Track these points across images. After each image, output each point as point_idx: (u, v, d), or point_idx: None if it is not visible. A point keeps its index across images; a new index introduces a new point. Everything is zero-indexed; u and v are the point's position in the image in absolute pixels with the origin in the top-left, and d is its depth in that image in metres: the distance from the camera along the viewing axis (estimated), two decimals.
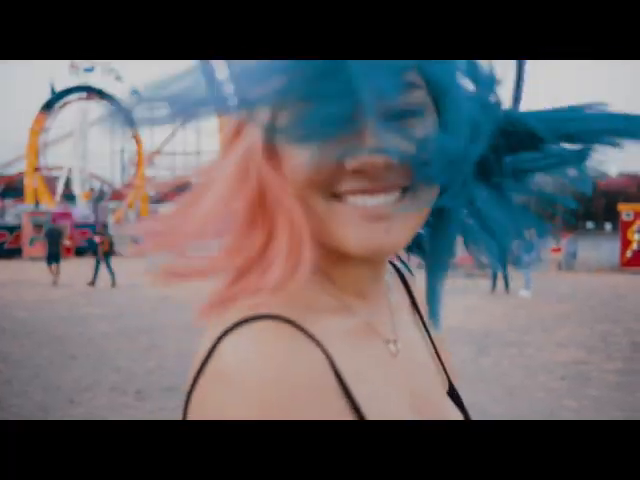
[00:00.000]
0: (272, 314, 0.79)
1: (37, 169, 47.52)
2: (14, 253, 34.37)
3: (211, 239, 0.88)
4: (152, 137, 63.06)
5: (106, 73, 55.32)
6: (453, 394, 1.06)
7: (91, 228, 28.12)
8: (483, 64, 0.87)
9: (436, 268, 0.97)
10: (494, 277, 18.44)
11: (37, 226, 33.19)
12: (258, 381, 0.72)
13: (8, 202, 49.07)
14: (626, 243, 26.51)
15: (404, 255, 1.10)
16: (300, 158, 0.79)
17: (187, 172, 0.97)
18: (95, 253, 21.51)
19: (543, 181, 0.93)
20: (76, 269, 25.23)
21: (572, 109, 0.90)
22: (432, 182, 0.82)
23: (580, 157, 0.90)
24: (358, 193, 0.80)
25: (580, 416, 6.86)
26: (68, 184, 53.79)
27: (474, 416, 1.07)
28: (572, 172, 0.92)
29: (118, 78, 56.53)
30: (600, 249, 29.19)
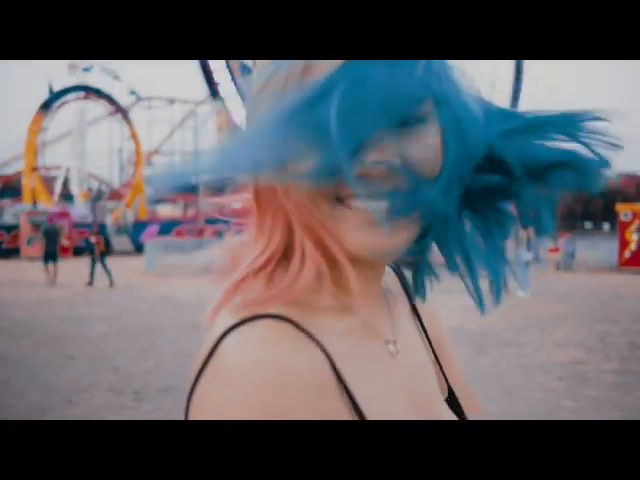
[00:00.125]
0: (273, 313, 0.80)
1: (35, 169, 47.48)
2: (12, 253, 34.37)
3: None
4: (150, 137, 63.17)
5: (104, 73, 55.27)
6: (452, 401, 1.06)
7: (89, 228, 28.15)
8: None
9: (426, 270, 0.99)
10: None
11: (35, 226, 33.17)
12: (259, 380, 0.73)
13: (6, 202, 49.13)
14: (624, 243, 26.50)
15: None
16: (306, 166, 0.78)
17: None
18: (92, 253, 21.49)
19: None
20: (74, 269, 25.23)
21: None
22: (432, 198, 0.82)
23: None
24: (361, 197, 0.79)
25: (578, 416, 6.86)
26: (66, 184, 53.75)
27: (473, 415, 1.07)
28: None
29: (116, 78, 56.51)
30: (598, 249, 29.16)
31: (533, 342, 11.11)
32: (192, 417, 0.78)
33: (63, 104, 51.46)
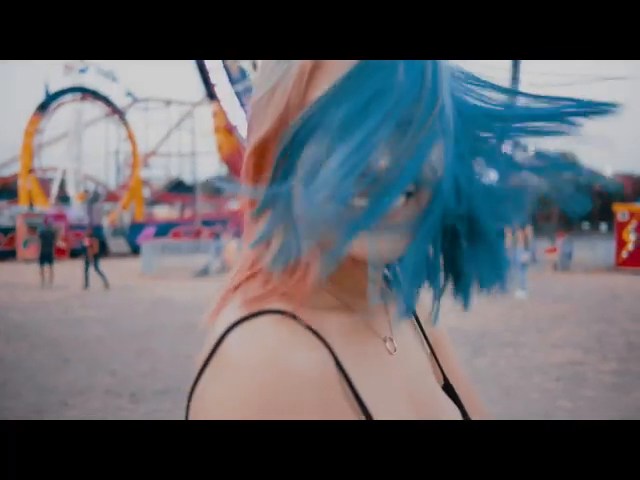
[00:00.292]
0: (278, 309, 0.80)
1: (31, 170, 47.46)
2: (8, 255, 34.40)
3: None
4: (147, 138, 63.24)
5: (101, 74, 55.29)
6: (449, 392, 1.07)
7: (85, 230, 28.21)
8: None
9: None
10: None
11: (31, 228, 33.20)
12: (264, 375, 0.72)
13: (2, 204, 49.09)
14: (621, 243, 26.58)
15: None
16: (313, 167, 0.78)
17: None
18: (86, 256, 21.52)
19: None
20: (71, 271, 25.27)
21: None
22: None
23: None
24: (362, 195, 0.78)
25: (575, 417, 6.85)
26: (63, 186, 53.75)
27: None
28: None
29: (114, 79, 56.54)
30: (596, 249, 29.25)
31: (531, 342, 11.13)
32: (195, 413, 0.77)
33: (60, 105, 51.49)
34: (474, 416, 1.08)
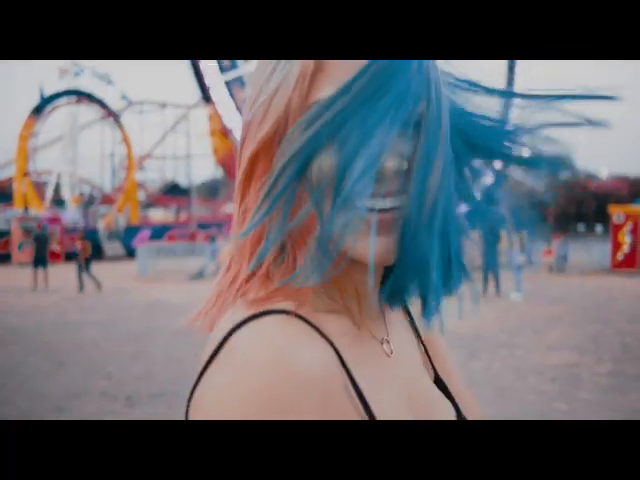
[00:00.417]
0: (284, 309, 0.80)
1: (26, 174, 47.42)
2: (3, 259, 34.34)
3: None
4: (142, 141, 63.19)
5: (97, 77, 55.26)
6: (439, 385, 1.08)
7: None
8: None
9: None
10: (485, 280, 18.47)
11: (26, 231, 33.16)
12: (272, 374, 0.72)
13: None
14: (617, 245, 26.63)
15: None
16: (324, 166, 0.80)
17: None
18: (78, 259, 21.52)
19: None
20: (66, 274, 25.20)
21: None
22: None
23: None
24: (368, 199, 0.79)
25: (571, 419, 6.85)
26: (58, 189, 53.71)
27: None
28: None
29: (109, 82, 56.50)
30: (591, 251, 29.30)
31: (526, 344, 11.14)
32: (195, 411, 0.76)
33: (55, 109, 51.47)
34: (467, 412, 1.08)
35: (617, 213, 27.09)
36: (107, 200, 56.04)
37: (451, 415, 1.02)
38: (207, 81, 41.30)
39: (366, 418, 0.81)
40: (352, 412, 0.80)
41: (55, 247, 33.70)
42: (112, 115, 53.60)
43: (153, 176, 65.98)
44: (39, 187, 51.16)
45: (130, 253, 35.78)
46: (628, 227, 26.29)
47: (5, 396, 8.14)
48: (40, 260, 22.06)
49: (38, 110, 48.91)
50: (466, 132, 0.91)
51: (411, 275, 0.86)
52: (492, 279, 18.39)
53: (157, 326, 13.09)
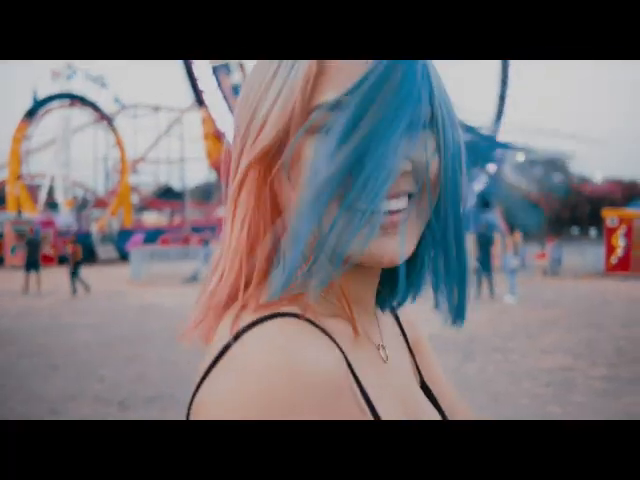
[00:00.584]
0: (293, 312, 0.80)
1: (19, 177, 47.35)
2: None
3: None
4: (135, 144, 63.13)
5: (91, 80, 55.24)
6: (425, 391, 1.09)
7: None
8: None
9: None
10: (478, 283, 18.49)
11: (19, 235, 33.11)
12: (288, 374, 0.71)
13: None
14: (611, 249, 26.69)
15: None
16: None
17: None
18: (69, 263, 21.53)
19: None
20: (59, 278, 25.16)
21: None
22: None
23: None
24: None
25: None
26: (51, 192, 53.64)
27: None
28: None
29: (102, 84, 56.47)
30: (585, 255, 29.36)
31: (520, 348, 11.15)
32: (196, 413, 0.75)
33: (48, 112, 51.41)
34: (455, 415, 1.12)
35: (611, 217, 27.16)
36: (100, 203, 55.97)
37: (436, 418, 1.03)
38: (200, 84, 41.31)
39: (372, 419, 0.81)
40: (359, 413, 0.80)
41: (48, 250, 33.67)
42: (105, 118, 53.55)
43: (147, 179, 65.98)
44: (32, 190, 51.05)
45: (123, 257, 35.77)
46: (622, 230, 26.35)
47: (0, 398, 8.11)
48: (32, 264, 22.06)
49: (31, 113, 48.83)
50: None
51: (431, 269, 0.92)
52: (486, 282, 18.42)
53: (151, 330, 13.07)
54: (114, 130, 53.33)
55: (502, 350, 10.96)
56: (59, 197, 52.31)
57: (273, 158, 0.83)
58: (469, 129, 0.95)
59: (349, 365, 0.82)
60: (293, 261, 0.78)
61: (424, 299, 1.03)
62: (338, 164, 0.77)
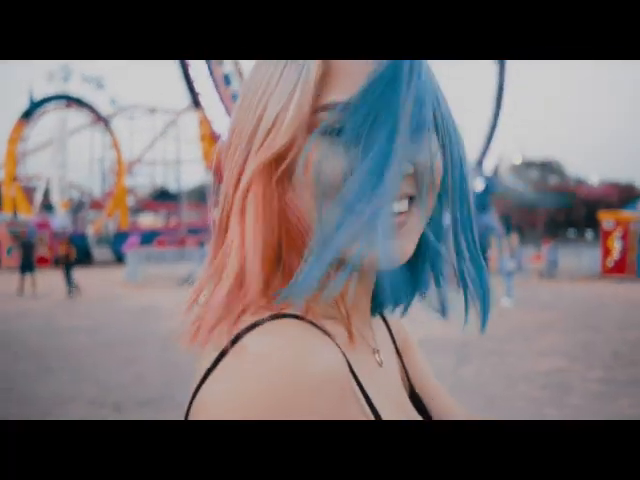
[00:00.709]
0: (295, 314, 0.80)
1: (15, 178, 47.39)
2: None
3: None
4: (132, 146, 63.22)
5: (87, 81, 55.34)
6: (414, 398, 1.10)
7: (70, 238, 28.25)
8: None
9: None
10: None
11: (15, 236, 33.17)
12: (289, 374, 0.71)
13: None
14: (607, 251, 26.77)
15: None
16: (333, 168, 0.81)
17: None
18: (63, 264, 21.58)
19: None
20: (54, 280, 25.17)
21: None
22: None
23: None
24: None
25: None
26: (47, 194, 53.71)
27: None
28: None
29: (99, 86, 56.57)
30: (581, 257, 29.46)
31: (516, 351, 11.17)
32: (205, 411, 0.74)
33: (44, 113, 51.48)
34: (446, 414, 1.13)
35: (607, 219, 27.24)
36: (96, 205, 56.14)
37: None
38: (197, 86, 41.45)
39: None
40: (362, 415, 0.80)
41: (44, 252, 33.71)
42: (102, 120, 53.63)
43: (143, 181, 66.15)
44: (28, 192, 51.16)
45: (119, 259, 35.81)
46: (618, 233, 26.43)
47: None
48: (27, 266, 22.14)
49: (27, 114, 48.91)
50: None
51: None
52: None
53: (147, 332, 13.07)
54: (110, 132, 53.42)
55: (498, 353, 10.97)
56: (55, 199, 52.38)
57: (280, 160, 0.82)
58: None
59: (350, 367, 0.82)
60: (322, 267, 0.78)
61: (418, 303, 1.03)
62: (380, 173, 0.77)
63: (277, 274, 0.84)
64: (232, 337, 0.76)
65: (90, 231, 44.00)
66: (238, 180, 0.85)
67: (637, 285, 23.70)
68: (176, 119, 59.90)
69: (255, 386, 0.70)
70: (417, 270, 0.99)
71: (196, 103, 42.57)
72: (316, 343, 0.77)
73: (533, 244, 35.09)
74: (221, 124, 41.38)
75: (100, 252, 40.30)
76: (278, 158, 0.82)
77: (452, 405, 1.16)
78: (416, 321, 1.17)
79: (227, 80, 42.48)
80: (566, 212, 65.34)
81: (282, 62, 0.83)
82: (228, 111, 40.66)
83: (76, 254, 22.84)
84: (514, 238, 20.63)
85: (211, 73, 41.54)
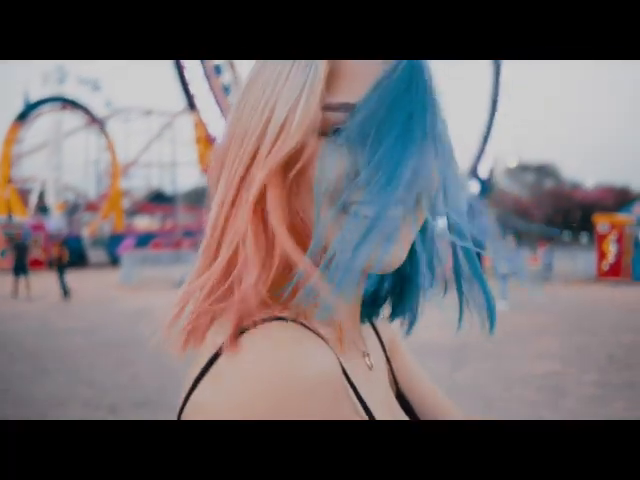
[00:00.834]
0: (287, 317, 0.80)
1: (10, 180, 47.30)
2: None
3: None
4: (127, 148, 63.13)
5: (83, 83, 55.28)
6: (401, 400, 1.11)
7: (65, 240, 28.20)
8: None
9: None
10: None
11: (10, 238, 33.10)
12: (276, 380, 0.71)
13: None
14: (602, 255, 26.78)
15: None
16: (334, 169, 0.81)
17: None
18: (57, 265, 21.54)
19: None
20: (49, 282, 25.12)
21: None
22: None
23: None
24: (367, 204, 0.80)
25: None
26: (42, 196, 53.62)
27: None
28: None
29: (96, 88, 56.52)
30: (576, 260, 29.47)
31: (511, 354, 11.16)
32: (202, 413, 0.74)
33: (39, 115, 51.41)
34: (439, 413, 1.14)
35: (602, 222, 27.26)
36: (92, 207, 56.02)
37: None
38: (192, 88, 41.41)
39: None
40: (355, 416, 0.80)
41: (39, 254, 33.66)
42: (97, 122, 53.57)
43: (138, 183, 66.02)
44: (23, 194, 51.06)
45: (115, 261, 35.76)
46: (613, 236, 26.45)
47: None
48: (20, 268, 22.07)
49: (22, 116, 48.84)
50: None
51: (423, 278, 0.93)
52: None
53: (142, 334, 13.01)
54: (106, 134, 53.35)
55: (493, 356, 10.97)
56: (50, 201, 52.30)
57: (291, 161, 0.82)
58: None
59: (343, 369, 0.82)
60: (354, 274, 0.79)
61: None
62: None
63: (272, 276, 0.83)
64: (225, 339, 0.76)
65: (85, 233, 43.95)
66: (240, 184, 0.84)
67: (632, 288, 23.72)
68: (172, 121, 59.85)
69: (249, 389, 0.70)
70: (404, 277, 1.01)
71: (192, 105, 42.54)
72: (309, 346, 0.76)
73: (528, 247, 35.11)
74: (217, 127, 41.37)
75: (95, 254, 40.23)
76: (290, 159, 0.81)
77: (448, 406, 1.17)
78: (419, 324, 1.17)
79: (218, 70, 42.46)
80: (562, 215, 65.46)
81: (288, 63, 0.83)
82: (222, 110, 40.65)
83: (69, 256, 22.79)
84: (509, 241, 20.62)
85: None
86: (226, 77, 42.44)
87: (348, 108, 0.79)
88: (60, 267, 21.25)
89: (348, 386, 0.82)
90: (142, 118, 62.30)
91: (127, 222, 55.98)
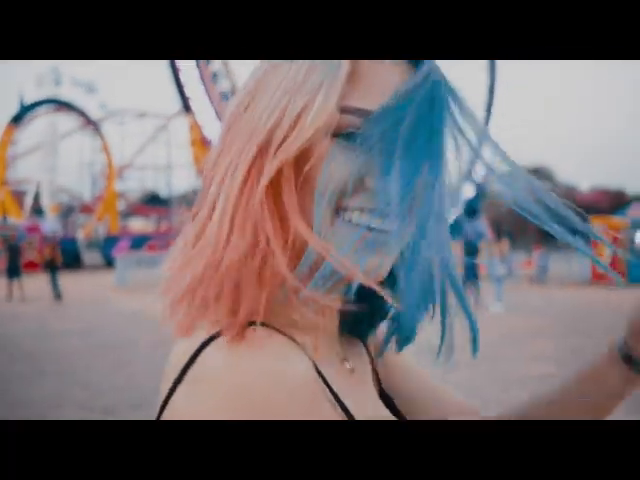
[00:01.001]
0: (261, 322, 0.78)
1: (5, 182, 47.22)
2: None
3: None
4: (122, 150, 63.00)
5: (78, 85, 55.21)
6: (385, 399, 1.09)
7: (61, 242, 28.12)
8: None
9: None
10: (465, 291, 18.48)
11: (4, 240, 33.03)
12: (254, 383, 0.70)
13: None
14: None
15: None
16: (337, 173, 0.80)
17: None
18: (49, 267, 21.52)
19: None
20: (44, 284, 25.07)
21: None
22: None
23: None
24: (363, 210, 0.81)
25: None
26: (37, 198, 53.53)
27: None
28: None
29: (91, 90, 56.44)
30: (572, 263, 29.48)
31: (507, 356, 11.17)
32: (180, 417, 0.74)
33: (34, 117, 51.34)
34: (446, 406, 1.19)
35: (597, 225, 27.22)
36: (86, 209, 55.97)
37: None
38: (187, 91, 41.41)
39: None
40: (335, 416, 0.80)
41: (34, 256, 33.59)
42: (92, 124, 53.50)
43: (133, 185, 65.89)
44: (18, 196, 50.98)
45: (109, 263, 35.68)
46: (608, 239, 26.42)
47: None
48: (13, 270, 22.01)
49: (17, 118, 48.77)
50: None
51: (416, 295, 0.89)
52: (472, 290, 18.42)
53: (137, 336, 13.03)
54: (101, 136, 53.28)
55: (489, 358, 10.97)
56: (45, 203, 52.21)
57: (301, 158, 0.81)
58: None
59: (320, 374, 0.81)
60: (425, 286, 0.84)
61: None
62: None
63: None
64: (197, 347, 0.76)
65: (80, 235, 43.88)
66: (245, 180, 0.81)
67: (627, 291, 23.74)
68: (167, 124, 59.77)
69: (225, 394, 0.70)
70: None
71: (187, 108, 42.55)
72: (281, 349, 0.77)
73: (524, 249, 35.13)
74: (211, 129, 41.33)
75: (90, 256, 40.16)
76: (300, 154, 0.80)
77: (459, 403, 1.24)
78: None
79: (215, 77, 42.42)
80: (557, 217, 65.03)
81: (306, 62, 0.82)
82: (218, 113, 40.58)
83: (62, 258, 22.73)
84: (504, 243, 20.66)
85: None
86: (224, 84, 42.38)
87: (364, 114, 0.79)
88: (53, 269, 21.20)
89: (326, 388, 0.81)
90: (137, 120, 62.25)
91: (122, 224, 55.86)
